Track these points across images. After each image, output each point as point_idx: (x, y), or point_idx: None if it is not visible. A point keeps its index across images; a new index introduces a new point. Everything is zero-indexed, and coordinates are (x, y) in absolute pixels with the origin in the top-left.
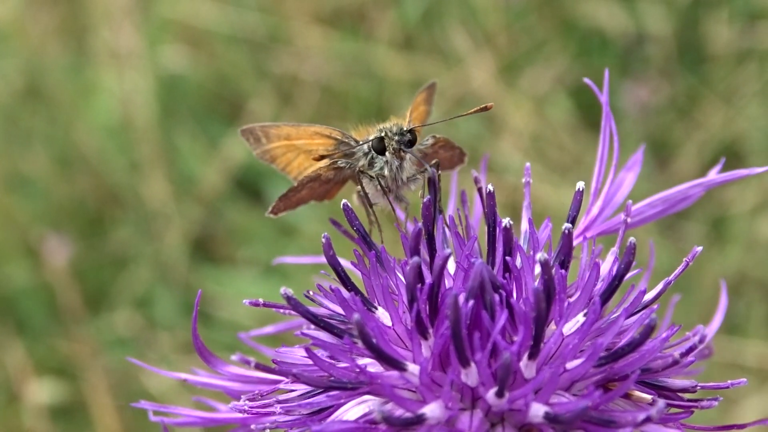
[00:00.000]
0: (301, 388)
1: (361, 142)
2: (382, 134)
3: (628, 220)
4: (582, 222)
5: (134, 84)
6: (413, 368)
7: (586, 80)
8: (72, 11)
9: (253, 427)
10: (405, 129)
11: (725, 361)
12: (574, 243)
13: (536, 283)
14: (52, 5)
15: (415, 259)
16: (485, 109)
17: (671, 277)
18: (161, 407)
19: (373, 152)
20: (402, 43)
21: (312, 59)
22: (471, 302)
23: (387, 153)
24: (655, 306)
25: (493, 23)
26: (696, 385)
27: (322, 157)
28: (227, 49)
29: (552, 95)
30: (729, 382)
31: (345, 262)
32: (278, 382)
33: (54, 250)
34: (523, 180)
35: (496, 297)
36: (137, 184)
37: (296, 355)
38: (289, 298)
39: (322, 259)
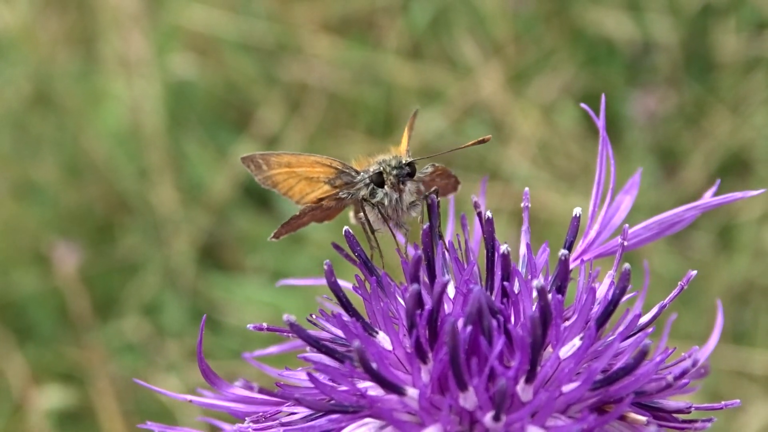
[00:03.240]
0: (304, 410)
1: (361, 173)
2: (381, 168)
3: (625, 243)
4: (579, 245)
5: (143, 91)
6: (412, 392)
7: (584, 106)
8: (81, 18)
9: None
10: (404, 162)
11: (732, 369)
12: (572, 266)
13: (533, 308)
14: (61, 13)
15: (415, 286)
16: (483, 141)
17: (666, 300)
18: (167, 428)
19: (373, 184)
20: (410, 52)
21: (320, 67)
22: (469, 328)
23: (386, 186)
24: (650, 329)
25: (502, 32)
26: (690, 407)
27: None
28: (236, 57)
29: (559, 103)
30: (723, 403)
31: (346, 284)
32: (282, 404)
33: (63, 257)
34: (522, 204)
35: (494, 322)
36: (146, 191)
37: (299, 377)
38: (291, 325)
39: (324, 281)
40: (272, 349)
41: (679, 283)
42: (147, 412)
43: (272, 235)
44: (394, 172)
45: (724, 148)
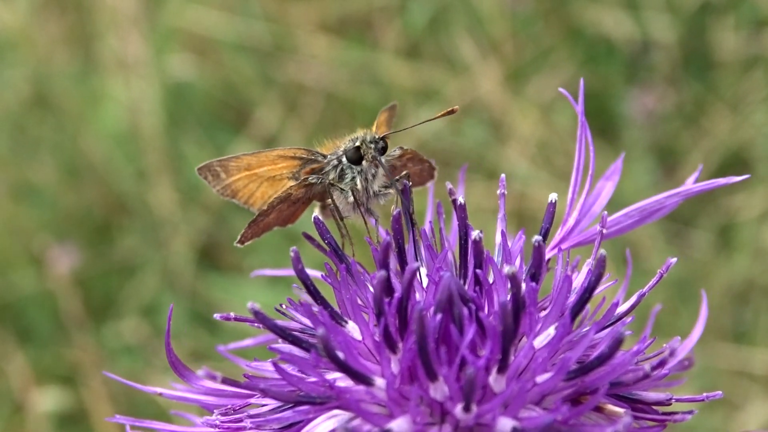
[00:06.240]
0: (273, 402)
1: (330, 156)
2: (358, 144)
3: (604, 231)
4: (558, 233)
5: (141, 92)
6: (380, 382)
7: (562, 90)
8: (79, 20)
9: None
10: (378, 137)
11: (733, 369)
12: (550, 255)
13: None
14: (60, 14)
15: (382, 272)
16: (451, 112)
17: (645, 289)
18: (137, 421)
19: (342, 164)
20: (408, 51)
21: (318, 67)
22: (439, 316)
23: (364, 162)
24: (628, 319)
25: (500, 31)
26: (670, 398)
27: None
28: (234, 58)
29: (558, 103)
30: (704, 394)
31: (317, 274)
32: (251, 396)
33: (58, 259)
34: (498, 191)
35: (466, 310)
36: (144, 192)
37: (267, 369)
38: (256, 313)
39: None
40: (247, 342)
41: (659, 270)
42: (142, 413)
43: (238, 239)
44: (372, 145)
45: (724, 146)
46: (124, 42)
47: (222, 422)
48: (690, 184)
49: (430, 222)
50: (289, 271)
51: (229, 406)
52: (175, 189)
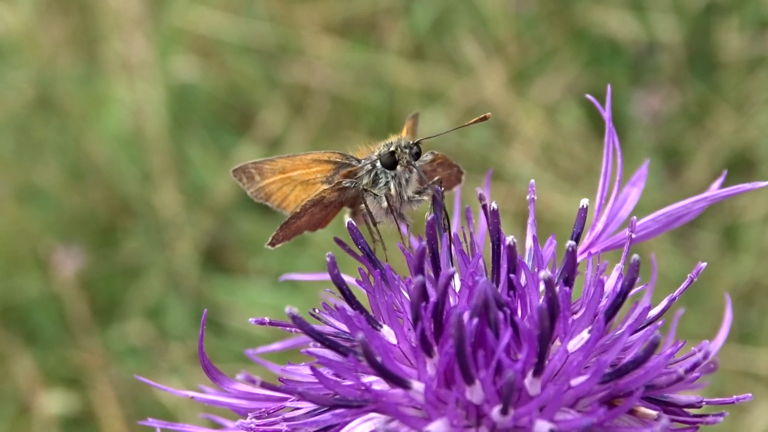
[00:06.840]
0: (307, 405)
1: (364, 160)
2: (393, 148)
3: (633, 235)
4: (586, 238)
5: (145, 94)
6: (418, 386)
7: (589, 97)
8: (83, 22)
9: None
10: (412, 142)
11: (738, 369)
12: (579, 259)
13: (541, 301)
14: (64, 16)
15: (419, 277)
16: (484, 118)
17: (676, 293)
18: (169, 425)
19: (377, 169)
20: (412, 53)
21: (322, 69)
22: (475, 320)
23: (398, 167)
24: (659, 322)
25: (504, 32)
26: (701, 401)
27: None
28: (238, 59)
29: (563, 104)
30: (735, 397)
31: (350, 279)
32: (285, 399)
33: (63, 261)
34: (528, 197)
35: (501, 315)
36: (149, 195)
37: (302, 372)
38: (294, 317)
39: (327, 275)
40: (275, 346)
41: (689, 275)
42: (149, 415)
43: (269, 241)
44: (407, 150)
45: (729, 147)
46: (128, 44)
47: (257, 425)
48: (715, 189)
49: (462, 227)
50: (318, 276)
51: (263, 410)
52: (180, 191)
